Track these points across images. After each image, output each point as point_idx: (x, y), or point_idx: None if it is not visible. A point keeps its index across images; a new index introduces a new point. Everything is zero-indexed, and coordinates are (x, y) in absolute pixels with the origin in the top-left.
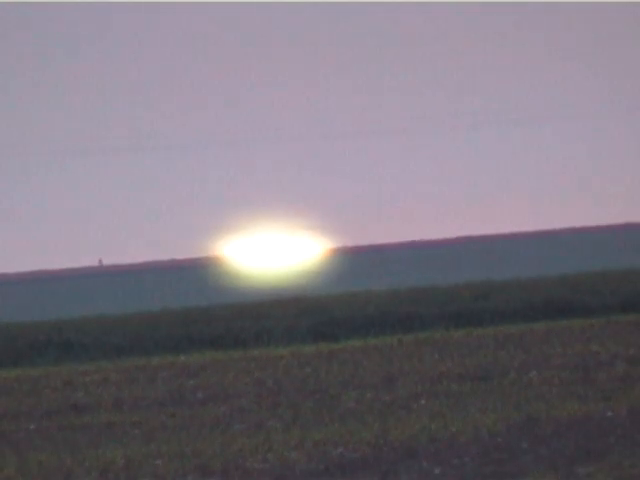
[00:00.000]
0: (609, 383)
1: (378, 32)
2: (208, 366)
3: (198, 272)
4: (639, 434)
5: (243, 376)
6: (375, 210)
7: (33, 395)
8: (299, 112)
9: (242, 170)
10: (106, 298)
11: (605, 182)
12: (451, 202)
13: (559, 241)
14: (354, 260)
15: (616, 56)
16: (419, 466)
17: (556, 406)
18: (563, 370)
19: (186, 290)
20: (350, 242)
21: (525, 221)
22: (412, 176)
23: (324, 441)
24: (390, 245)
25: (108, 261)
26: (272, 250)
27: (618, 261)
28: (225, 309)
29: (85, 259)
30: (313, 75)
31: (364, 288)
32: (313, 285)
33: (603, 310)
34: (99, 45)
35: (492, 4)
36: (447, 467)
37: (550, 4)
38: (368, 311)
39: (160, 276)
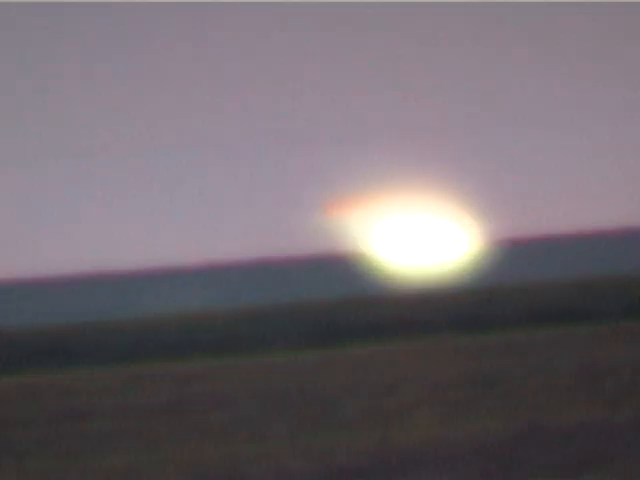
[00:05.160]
0: (615, 389)
1: (381, 32)
2: (209, 373)
3: (204, 275)
4: None
5: (244, 383)
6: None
7: (33, 402)
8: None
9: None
10: (106, 302)
11: (606, 184)
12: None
13: (564, 245)
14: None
15: (617, 56)
16: (422, 474)
17: (561, 413)
18: (568, 376)
19: (194, 295)
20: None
21: (528, 225)
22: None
23: (325, 449)
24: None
25: (108, 262)
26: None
27: (624, 266)
28: (226, 314)
29: (85, 259)
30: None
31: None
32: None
33: (608, 316)
34: (98, 45)
35: (493, 4)
36: (451, 475)
37: (550, 4)
38: (370, 317)
39: (161, 279)
